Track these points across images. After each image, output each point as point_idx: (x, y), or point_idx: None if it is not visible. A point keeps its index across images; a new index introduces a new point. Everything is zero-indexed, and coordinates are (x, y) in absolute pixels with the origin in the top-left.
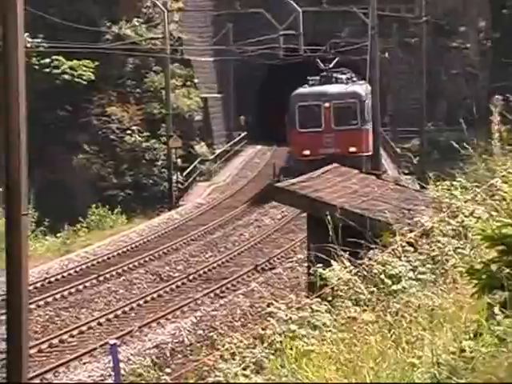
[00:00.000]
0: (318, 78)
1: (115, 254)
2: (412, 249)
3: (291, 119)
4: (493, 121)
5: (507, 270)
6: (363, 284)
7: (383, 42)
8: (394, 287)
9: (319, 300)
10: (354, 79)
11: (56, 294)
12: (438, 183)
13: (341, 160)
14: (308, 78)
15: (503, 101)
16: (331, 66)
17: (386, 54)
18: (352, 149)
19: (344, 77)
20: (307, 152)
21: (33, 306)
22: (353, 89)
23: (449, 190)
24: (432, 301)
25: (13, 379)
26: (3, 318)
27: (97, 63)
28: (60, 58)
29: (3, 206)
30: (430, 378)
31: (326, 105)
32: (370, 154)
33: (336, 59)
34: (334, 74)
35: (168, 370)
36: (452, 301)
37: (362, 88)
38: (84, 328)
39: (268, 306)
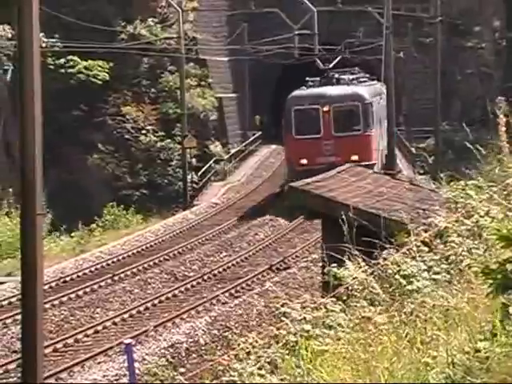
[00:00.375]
0: (318, 78)
1: (130, 253)
2: (427, 249)
3: (287, 124)
4: (499, 122)
5: None
6: (378, 284)
7: (398, 41)
8: (409, 287)
9: (334, 300)
10: (363, 79)
11: (71, 293)
12: (452, 183)
13: None
14: (307, 78)
15: (506, 101)
16: (331, 65)
17: (401, 54)
18: (354, 157)
19: (347, 77)
20: (304, 161)
21: (48, 306)
22: (355, 90)
23: (464, 189)
24: (447, 301)
25: (28, 379)
26: (18, 317)
27: (112, 63)
28: (75, 57)
29: (18, 205)
30: (444, 378)
31: (325, 108)
32: (374, 162)
33: (338, 58)
34: (336, 75)
35: (183, 370)
36: (467, 301)
37: (366, 89)
38: (99, 328)
39: (282, 305)
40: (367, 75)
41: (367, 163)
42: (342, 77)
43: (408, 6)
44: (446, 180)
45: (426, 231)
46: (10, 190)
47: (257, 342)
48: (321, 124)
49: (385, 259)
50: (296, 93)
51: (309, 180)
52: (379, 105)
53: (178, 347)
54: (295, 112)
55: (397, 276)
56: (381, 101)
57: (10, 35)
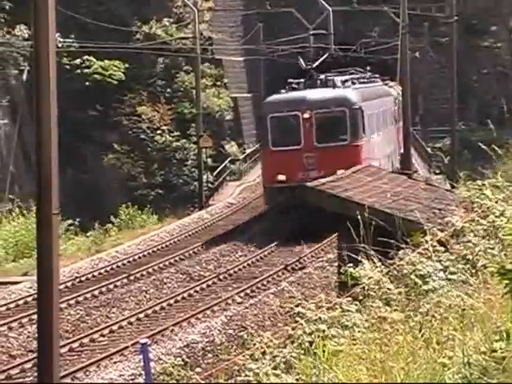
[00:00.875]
0: (302, 80)
1: (146, 253)
2: (443, 248)
3: (263, 134)
4: None
5: None
6: (393, 284)
7: (414, 41)
8: (425, 287)
9: (350, 300)
10: (364, 80)
11: (87, 293)
12: (468, 183)
13: None
14: (290, 80)
15: None
16: (315, 65)
17: (417, 54)
18: (340, 172)
19: (337, 78)
20: (282, 177)
21: (64, 305)
22: (341, 93)
23: (480, 189)
24: (463, 301)
25: (44, 379)
26: (34, 317)
27: (127, 63)
28: (91, 58)
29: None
30: (461, 378)
31: (306, 115)
32: None
33: (325, 56)
34: (322, 76)
35: (198, 370)
36: (483, 301)
37: (356, 92)
38: (115, 327)
39: (297, 305)
40: (375, 75)
41: None
42: (331, 78)
43: (424, 6)
44: (462, 180)
45: (441, 231)
46: (26, 189)
47: (272, 341)
48: (301, 133)
49: (401, 259)
50: (272, 97)
51: (323, 180)
52: (384, 108)
53: (193, 347)
54: (271, 120)
55: (412, 276)
56: (388, 103)
57: (26, 35)
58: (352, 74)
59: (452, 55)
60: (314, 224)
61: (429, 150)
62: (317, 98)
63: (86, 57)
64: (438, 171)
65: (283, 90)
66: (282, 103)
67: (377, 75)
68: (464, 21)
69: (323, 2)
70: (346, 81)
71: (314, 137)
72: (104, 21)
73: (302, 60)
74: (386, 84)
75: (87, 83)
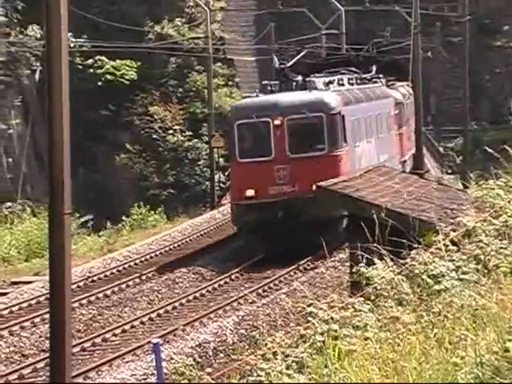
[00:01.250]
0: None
1: (158, 252)
2: (455, 248)
3: (230, 144)
4: None
5: None
6: (406, 284)
7: (426, 41)
8: (437, 287)
9: (362, 299)
10: (355, 81)
11: (99, 292)
12: (481, 183)
13: (302, 205)
14: (264, 82)
15: None
16: (289, 64)
17: (429, 54)
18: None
19: (319, 80)
20: (251, 193)
21: (76, 305)
22: (318, 97)
23: (492, 189)
24: (475, 301)
25: (56, 379)
26: (47, 316)
27: (139, 63)
28: (103, 57)
29: (46, 205)
30: (473, 378)
31: (277, 121)
32: None
33: (300, 54)
34: (299, 76)
35: (210, 370)
36: (495, 301)
37: (337, 95)
38: (127, 327)
39: (309, 305)
40: (379, 75)
41: None
42: (312, 79)
43: (436, 6)
44: (474, 179)
45: (454, 231)
46: (38, 189)
47: (284, 341)
48: (272, 143)
49: (413, 259)
50: (241, 102)
51: (335, 180)
52: (379, 111)
53: (205, 346)
54: (238, 128)
55: (424, 276)
56: (386, 105)
57: (38, 35)
58: (343, 73)
59: (464, 55)
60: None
61: (441, 149)
62: (290, 103)
63: (98, 57)
64: (450, 171)
65: (254, 94)
66: (250, 108)
67: (380, 75)
68: (476, 20)
69: (335, 2)
70: (331, 82)
71: (287, 146)
72: (116, 21)
73: (275, 58)
74: (391, 85)
75: (99, 83)
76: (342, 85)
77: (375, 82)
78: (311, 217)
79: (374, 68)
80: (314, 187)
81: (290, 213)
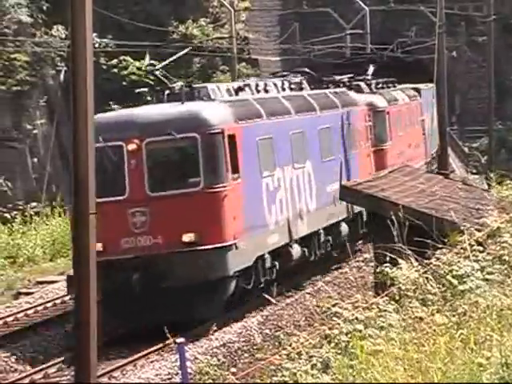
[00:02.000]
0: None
1: None
2: (481, 248)
3: None
4: None
5: None
6: (430, 284)
7: (451, 40)
8: (461, 287)
9: (387, 299)
10: (285, 87)
11: None
12: (506, 182)
13: (166, 264)
14: (167, 92)
15: None
16: (160, 66)
17: (454, 53)
18: (188, 236)
19: (211, 86)
20: (98, 246)
21: None
22: (191, 110)
23: None
24: (500, 301)
25: (81, 378)
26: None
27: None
28: (127, 58)
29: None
30: (498, 379)
31: (132, 146)
32: (233, 242)
33: (185, 51)
34: (178, 82)
35: (234, 369)
36: None
37: (218, 108)
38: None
39: (334, 305)
40: (349, 78)
41: (216, 246)
42: (202, 86)
43: (461, 5)
44: (498, 180)
45: (478, 231)
46: (63, 189)
47: (308, 341)
48: (125, 175)
49: (437, 259)
50: (98, 117)
51: (360, 180)
52: (324, 125)
53: (229, 346)
54: None
55: (448, 276)
56: (335, 117)
57: (63, 35)
58: (284, 76)
59: (489, 54)
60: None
61: (466, 149)
62: (151, 119)
63: (122, 57)
64: (475, 171)
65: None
66: (101, 128)
67: (369, 77)
68: (502, 20)
69: (360, 2)
70: (241, 89)
71: (146, 181)
72: (140, 21)
73: (148, 57)
74: (382, 87)
75: (124, 83)
76: (258, 91)
77: (337, 87)
78: (180, 281)
79: (372, 68)
80: (185, 239)
81: (150, 275)
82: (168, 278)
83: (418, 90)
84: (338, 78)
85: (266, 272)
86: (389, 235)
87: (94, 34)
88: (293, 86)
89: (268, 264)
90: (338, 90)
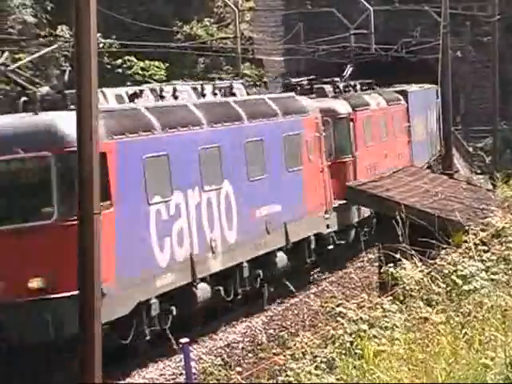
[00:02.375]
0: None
1: None
2: (485, 248)
3: None
4: None
5: None
6: (434, 284)
7: (455, 40)
8: (466, 287)
9: (391, 299)
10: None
11: None
12: (510, 182)
13: (9, 318)
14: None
15: None
16: (15, 66)
17: (459, 53)
18: (34, 282)
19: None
20: None
21: None
22: (46, 122)
23: None
24: (505, 301)
25: (86, 379)
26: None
27: (168, 63)
28: (132, 58)
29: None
30: (503, 379)
31: None
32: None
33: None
34: (45, 87)
35: (239, 369)
36: None
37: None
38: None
39: (338, 305)
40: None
41: (72, 293)
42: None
43: (465, 5)
44: (502, 179)
45: (483, 231)
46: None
47: (312, 341)
48: None
49: (442, 259)
50: None
51: (365, 180)
52: (249, 138)
53: (234, 346)
54: None
55: (453, 276)
56: (275, 130)
57: (67, 35)
58: (203, 81)
59: (494, 54)
60: None
61: (470, 149)
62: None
63: (127, 57)
64: (479, 171)
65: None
66: None
67: (337, 79)
68: (506, 20)
69: (364, 2)
70: (137, 95)
71: None
72: (145, 21)
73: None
74: (347, 91)
75: (128, 83)
76: (175, 98)
77: (291, 91)
78: (25, 338)
79: (350, 70)
80: (32, 284)
81: None
82: (10, 335)
83: (403, 93)
84: (294, 80)
85: (152, 321)
86: (392, 235)
87: (99, 34)
88: (216, 92)
89: (155, 311)
90: (283, 95)
